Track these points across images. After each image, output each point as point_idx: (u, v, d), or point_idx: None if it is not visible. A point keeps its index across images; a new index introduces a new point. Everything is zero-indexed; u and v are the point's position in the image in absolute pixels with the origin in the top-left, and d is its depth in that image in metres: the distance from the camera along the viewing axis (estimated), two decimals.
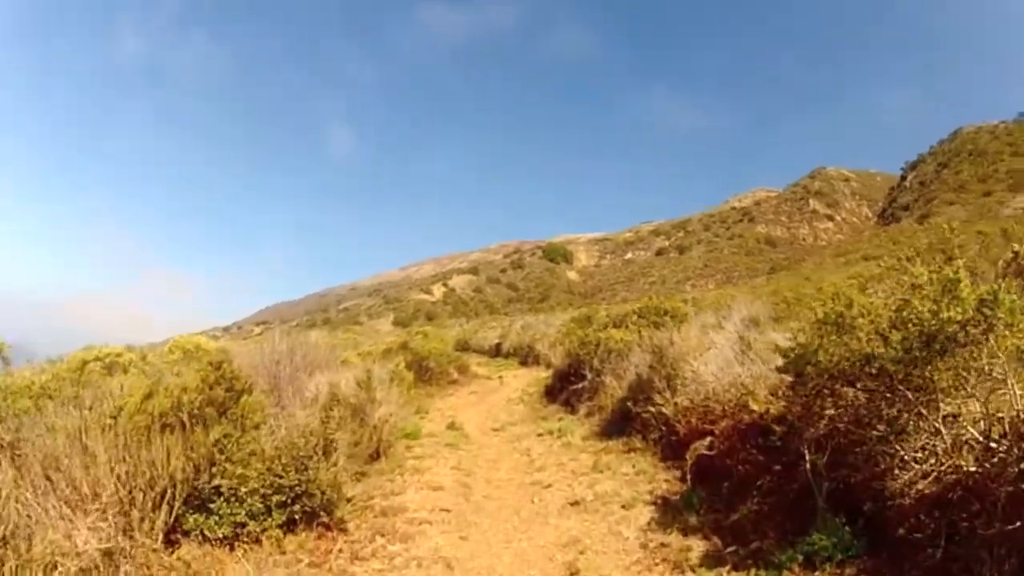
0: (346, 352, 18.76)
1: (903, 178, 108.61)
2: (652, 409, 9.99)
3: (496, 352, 31.52)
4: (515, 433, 12.82)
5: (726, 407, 8.51)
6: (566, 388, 15.43)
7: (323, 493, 7.00)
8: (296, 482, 6.78)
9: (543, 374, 22.93)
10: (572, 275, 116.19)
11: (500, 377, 23.22)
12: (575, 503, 7.89)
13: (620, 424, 11.16)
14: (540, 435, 12.14)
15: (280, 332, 12.87)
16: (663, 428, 9.74)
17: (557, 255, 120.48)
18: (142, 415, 7.17)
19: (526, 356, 27.48)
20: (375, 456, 10.05)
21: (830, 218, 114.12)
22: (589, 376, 13.92)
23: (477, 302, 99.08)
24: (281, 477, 6.76)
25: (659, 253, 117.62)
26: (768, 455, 7.21)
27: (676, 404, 9.59)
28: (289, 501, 6.75)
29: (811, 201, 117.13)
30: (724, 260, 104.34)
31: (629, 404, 10.91)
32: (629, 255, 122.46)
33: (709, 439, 8.18)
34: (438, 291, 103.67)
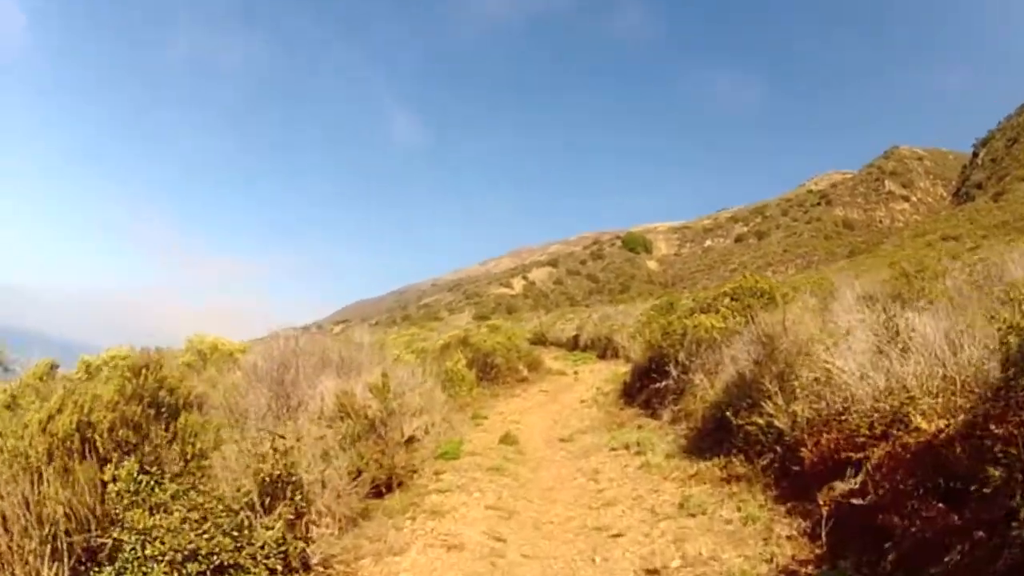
0: (399, 349, 16.40)
1: (975, 155, 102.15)
2: (759, 420, 7.26)
3: (574, 345, 28.89)
4: (583, 446, 10.21)
5: (875, 422, 5.75)
6: (646, 387, 12.73)
7: (267, 559, 4.50)
8: (216, 547, 4.31)
9: (622, 368, 20.25)
10: (652, 264, 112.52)
11: (575, 373, 20.61)
12: (653, 573, 5.19)
13: (714, 436, 8.46)
14: (614, 450, 9.51)
15: (285, 332, 10.53)
16: (777, 448, 7.00)
17: (637, 245, 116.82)
18: (45, 437, 4.90)
19: (604, 349, 24.75)
20: (387, 487, 7.53)
21: (906, 199, 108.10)
22: (674, 373, 11.19)
23: (558, 294, 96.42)
24: (196, 539, 4.32)
25: (738, 240, 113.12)
26: (957, 505, 4.44)
27: (795, 415, 6.85)
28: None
29: (886, 182, 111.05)
30: (803, 244, 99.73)
31: (726, 411, 8.18)
32: (708, 243, 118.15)
33: (856, 476, 5.44)
34: (518, 284, 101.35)
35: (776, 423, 7.10)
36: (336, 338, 21.50)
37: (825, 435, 6.26)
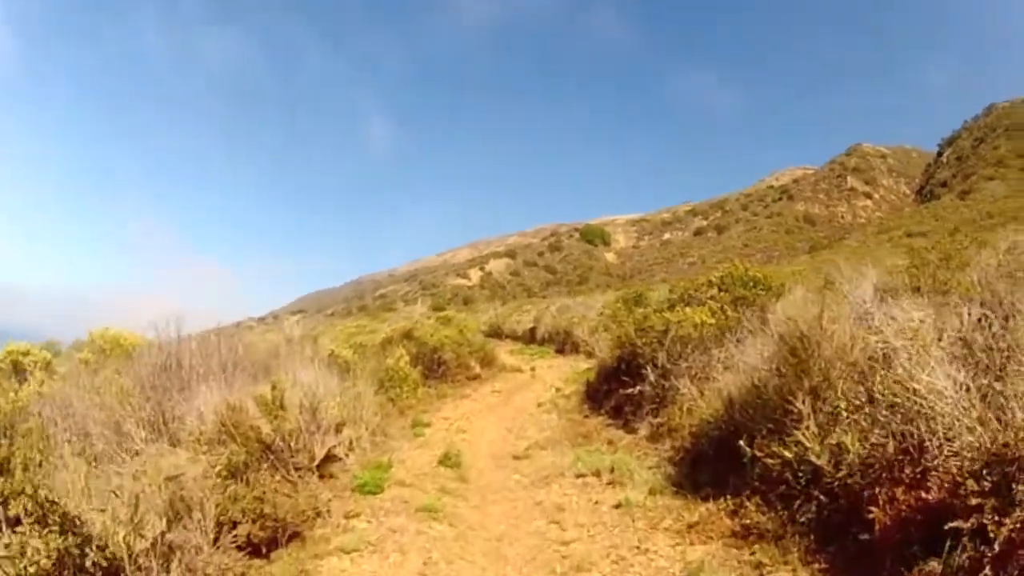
0: (337, 344, 14.12)
1: (939, 154, 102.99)
2: (786, 453, 5.19)
3: (531, 338, 26.72)
4: (542, 467, 8.08)
5: (987, 471, 3.74)
6: (615, 391, 10.64)
7: None
8: None
9: (583, 364, 18.22)
10: (610, 257, 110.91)
11: (532, 369, 18.47)
12: None
13: (714, 465, 6.40)
14: (581, 476, 7.37)
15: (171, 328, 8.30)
16: (816, 494, 4.95)
17: (595, 237, 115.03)
18: None
19: (563, 343, 22.63)
20: (274, 541, 5.31)
21: (868, 195, 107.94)
22: (651, 377, 9.12)
23: (515, 285, 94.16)
24: None
25: (697, 233, 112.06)
26: None
27: (841, 450, 4.82)
28: None
29: (849, 178, 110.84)
30: (764, 239, 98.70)
31: (732, 434, 6.12)
32: (667, 236, 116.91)
33: (963, 552, 3.42)
34: (475, 275, 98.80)
35: (812, 458, 5.05)
36: (260, 333, 19.10)
37: (904, 486, 4.22)
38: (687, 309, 9.17)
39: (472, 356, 17.16)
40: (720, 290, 10.09)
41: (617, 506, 6.17)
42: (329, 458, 7.77)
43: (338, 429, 8.09)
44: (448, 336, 15.48)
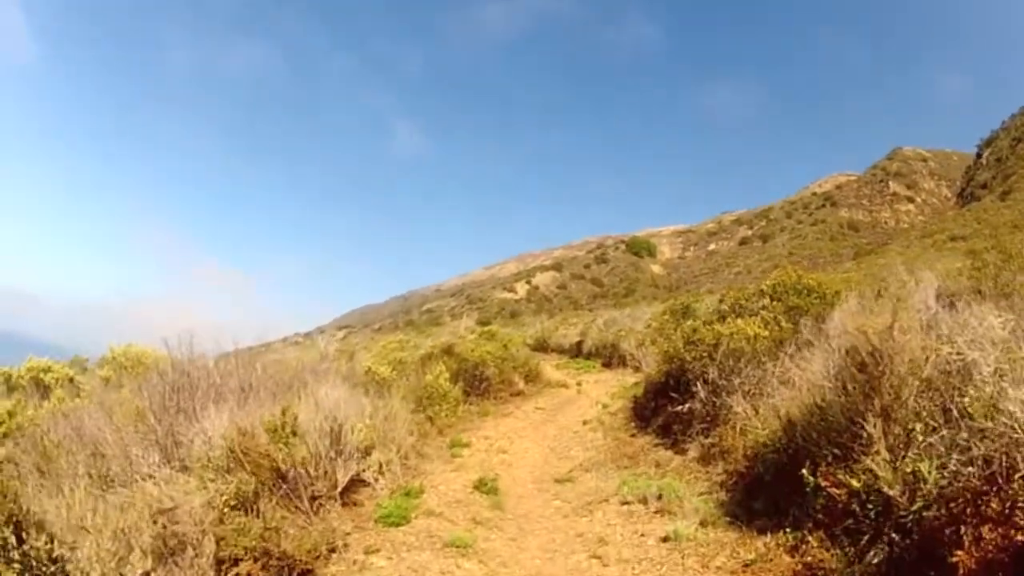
0: (375, 360, 13.74)
1: (979, 155, 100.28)
2: (853, 482, 4.62)
3: (577, 352, 26.12)
4: (585, 491, 7.56)
5: None
6: (663, 408, 10.07)
7: None
8: None
9: (629, 379, 17.62)
10: (656, 268, 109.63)
11: (578, 384, 17.89)
12: None
13: (771, 492, 5.83)
14: (626, 503, 6.82)
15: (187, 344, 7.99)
16: (886, 530, 4.38)
17: (641, 249, 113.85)
18: None
19: (610, 357, 22.00)
20: None
21: (910, 200, 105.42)
22: (701, 394, 8.53)
23: (561, 299, 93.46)
24: None
25: (742, 243, 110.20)
26: None
27: (917, 478, 4.25)
28: None
29: (891, 183, 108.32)
30: (808, 246, 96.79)
31: (793, 458, 5.55)
32: (712, 246, 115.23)
33: None
34: (521, 289, 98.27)
35: (884, 489, 4.47)
36: (302, 349, 18.87)
37: (991, 523, 3.63)
38: (738, 321, 8.57)
39: (516, 371, 16.69)
40: (772, 299, 9.47)
41: (665, 539, 5.62)
42: (356, 483, 7.36)
43: (367, 452, 7.68)
44: (490, 351, 15.02)
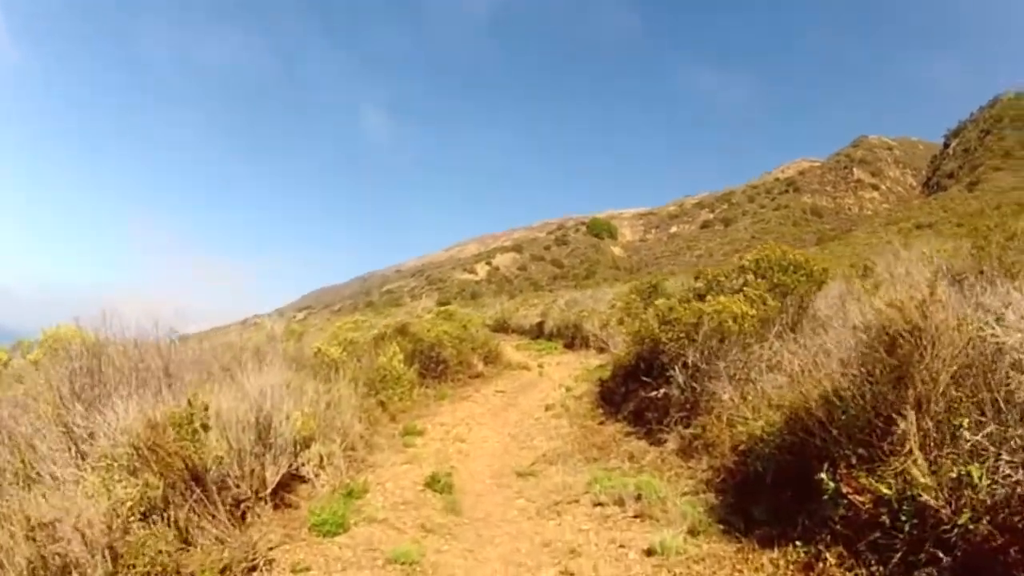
0: (326, 341, 12.66)
1: (946, 145, 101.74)
2: (884, 488, 3.76)
3: (538, 333, 25.24)
4: (551, 488, 6.64)
5: None
6: (634, 393, 9.21)
7: None
8: None
9: (594, 361, 16.81)
10: (617, 250, 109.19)
11: (540, 366, 17.00)
12: None
13: (771, 494, 4.94)
14: (599, 505, 5.91)
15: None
16: (933, 549, 3.53)
17: (601, 230, 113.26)
18: None
19: (572, 338, 21.12)
20: None
21: (875, 187, 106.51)
22: (680, 379, 7.64)
23: (522, 280, 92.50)
24: None
25: (704, 226, 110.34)
26: None
27: (966, 486, 3.40)
28: None
29: (855, 170, 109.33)
30: (771, 231, 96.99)
31: (792, 453, 4.69)
32: (674, 229, 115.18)
33: None
34: (482, 270, 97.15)
35: (920, 495, 3.61)
36: (252, 332, 17.72)
37: None
38: (721, 298, 7.68)
39: (475, 353, 15.75)
40: (756, 276, 8.62)
41: (649, 552, 4.71)
42: (293, 480, 6.37)
43: (306, 444, 6.68)
44: (447, 331, 14.03)
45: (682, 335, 7.67)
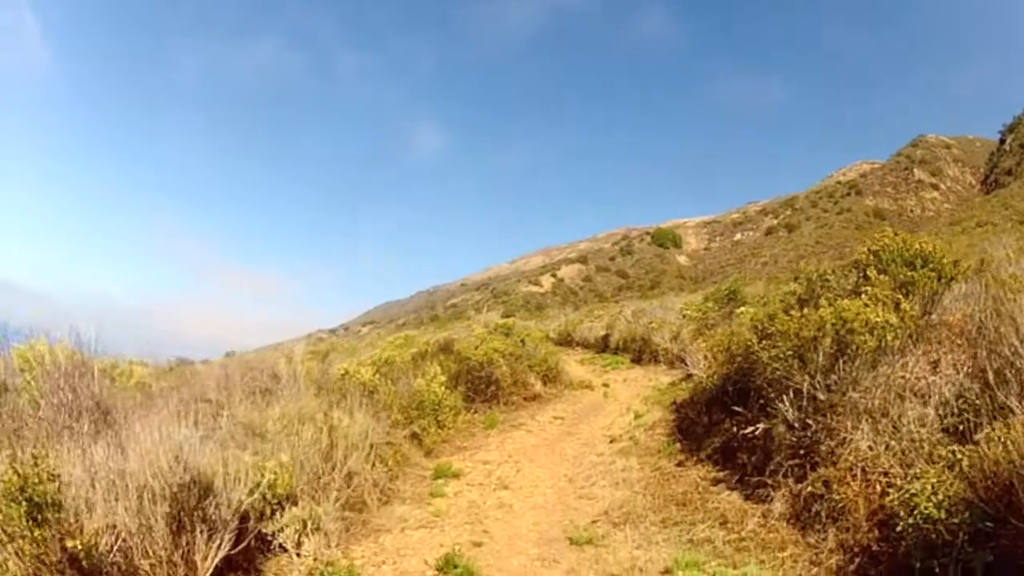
0: (352, 362, 10.89)
1: (1002, 142, 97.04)
2: None
3: (603, 346, 23.12)
4: (616, 573, 4.63)
5: None
6: (721, 426, 7.16)
7: None
8: None
9: (664, 378, 14.74)
10: (682, 259, 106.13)
11: (605, 386, 14.99)
12: None
13: None
14: None
15: None
16: None
17: (666, 240, 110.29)
18: None
19: (639, 352, 18.94)
20: None
21: (935, 187, 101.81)
22: (789, 412, 5.55)
23: (587, 291, 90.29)
24: None
25: (768, 232, 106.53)
26: None
27: None
28: None
29: (915, 170, 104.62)
30: (835, 235, 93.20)
31: (973, 541, 2.64)
32: (738, 236, 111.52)
33: None
34: (547, 282, 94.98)
35: None
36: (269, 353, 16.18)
37: None
38: (845, 302, 5.59)
39: (532, 371, 13.82)
40: (878, 272, 6.51)
41: None
42: (259, 551, 4.56)
43: (292, 502, 4.88)
44: (497, 348, 12.10)
45: (789, 352, 5.60)
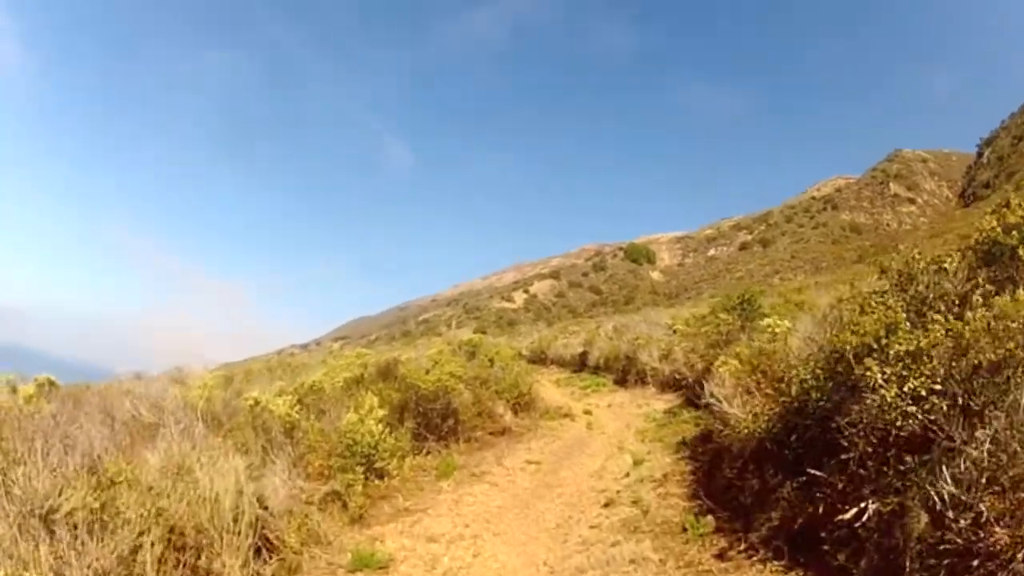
0: (263, 392, 8.31)
1: (980, 155, 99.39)
2: None
3: (581, 364, 20.67)
4: None
5: None
6: (777, 493, 4.69)
7: None
8: None
9: (656, 403, 12.50)
10: (655, 275, 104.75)
11: (587, 412, 12.58)
12: None
13: None
14: None
15: None
16: None
17: (639, 256, 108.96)
18: None
19: (624, 372, 16.51)
20: None
21: (911, 201, 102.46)
22: (945, 490, 3.13)
23: (560, 307, 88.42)
24: None
25: (742, 248, 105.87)
26: None
27: None
28: None
29: (891, 185, 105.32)
30: (811, 250, 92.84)
31: None
32: (712, 252, 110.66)
33: None
34: (519, 298, 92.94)
35: None
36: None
37: None
38: (996, 299, 3.22)
39: (501, 398, 11.30)
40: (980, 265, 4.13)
41: None
42: None
43: None
44: (453, 374, 9.53)
45: (937, 387, 3.19)
